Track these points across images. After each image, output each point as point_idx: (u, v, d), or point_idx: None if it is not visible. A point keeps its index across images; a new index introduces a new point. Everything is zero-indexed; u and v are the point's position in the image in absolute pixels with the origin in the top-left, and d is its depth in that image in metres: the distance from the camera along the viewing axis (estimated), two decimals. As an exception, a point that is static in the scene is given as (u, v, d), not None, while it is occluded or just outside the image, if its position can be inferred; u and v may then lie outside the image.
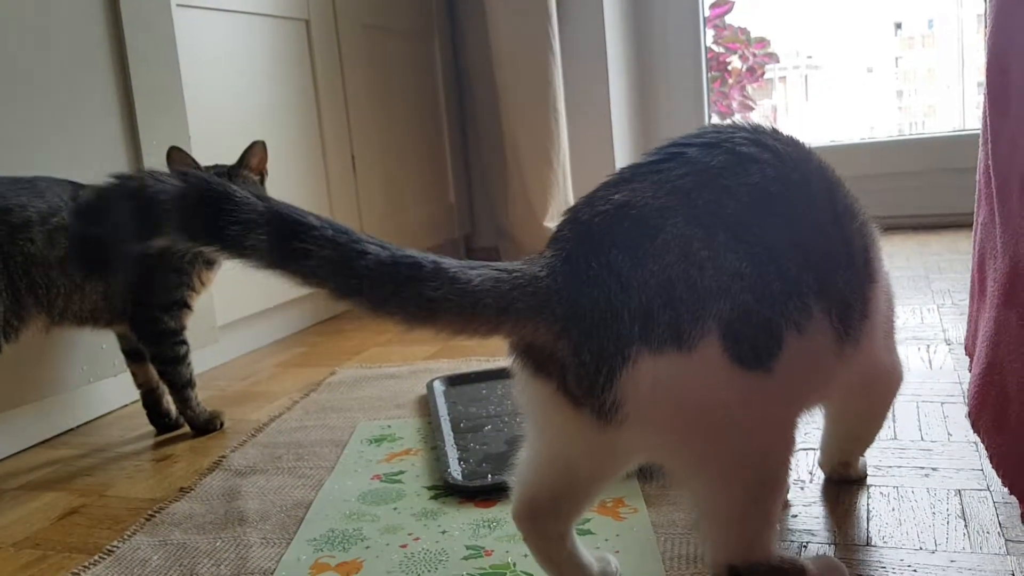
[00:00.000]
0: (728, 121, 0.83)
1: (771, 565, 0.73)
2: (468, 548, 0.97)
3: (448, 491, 1.13)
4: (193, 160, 1.44)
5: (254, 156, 1.53)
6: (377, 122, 2.55)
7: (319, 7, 2.27)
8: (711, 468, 0.71)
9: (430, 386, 1.52)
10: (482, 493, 1.11)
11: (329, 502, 1.14)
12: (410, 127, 2.77)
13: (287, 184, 2.09)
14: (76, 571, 1.00)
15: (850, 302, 0.76)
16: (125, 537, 1.09)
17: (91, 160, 1.54)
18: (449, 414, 1.41)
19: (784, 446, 0.73)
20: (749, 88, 3.76)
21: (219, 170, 1.47)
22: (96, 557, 1.04)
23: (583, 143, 2.84)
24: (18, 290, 1.23)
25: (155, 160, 1.66)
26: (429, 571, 0.93)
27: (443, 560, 0.95)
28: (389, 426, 1.42)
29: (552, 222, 2.57)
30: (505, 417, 1.38)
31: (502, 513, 1.05)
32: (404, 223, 2.67)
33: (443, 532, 1.02)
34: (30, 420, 1.50)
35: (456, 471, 1.17)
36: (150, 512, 1.16)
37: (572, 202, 2.65)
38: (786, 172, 0.75)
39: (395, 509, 1.10)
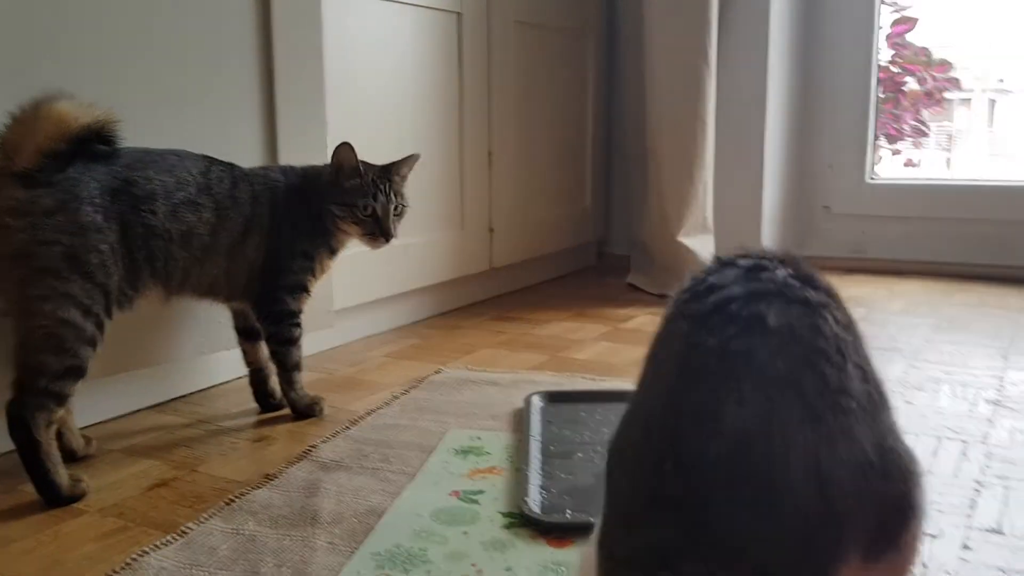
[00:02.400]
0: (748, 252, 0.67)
1: None
2: (529, 591, 0.93)
3: (522, 521, 1.09)
4: (358, 160, 1.47)
5: (407, 166, 1.56)
6: (519, 119, 2.52)
7: (473, 1, 2.26)
8: None
9: (528, 401, 1.48)
10: (557, 530, 1.06)
11: (402, 514, 1.11)
12: (553, 126, 2.72)
13: (422, 175, 2.08)
14: (146, 549, 1.02)
15: None
16: (201, 520, 1.10)
17: (226, 139, 1.58)
18: (541, 435, 1.36)
19: None
20: (924, 112, 3.52)
21: (369, 167, 1.49)
22: (169, 537, 1.05)
23: (730, 159, 2.72)
24: (135, 260, 1.26)
25: (290, 143, 1.69)
26: (484, 610, 0.89)
27: (500, 601, 0.91)
28: (479, 437, 1.38)
29: (687, 238, 2.47)
30: (598, 446, 1.32)
31: (573, 556, 1.00)
32: (536, 222, 2.64)
33: (507, 568, 0.97)
34: (145, 383, 1.56)
35: (535, 501, 1.12)
36: (231, 496, 1.17)
37: (710, 219, 2.55)
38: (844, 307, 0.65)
39: (465, 533, 1.06)
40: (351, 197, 1.47)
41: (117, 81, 1.41)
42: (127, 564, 0.99)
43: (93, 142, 1.23)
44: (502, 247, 2.46)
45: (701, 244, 2.49)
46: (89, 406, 1.43)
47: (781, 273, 0.63)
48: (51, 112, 1.18)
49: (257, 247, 1.42)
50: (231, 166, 1.41)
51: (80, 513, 1.14)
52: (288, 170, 1.51)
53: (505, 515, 1.11)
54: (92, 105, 1.22)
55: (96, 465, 1.30)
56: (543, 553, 1.01)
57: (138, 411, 1.54)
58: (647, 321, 2.23)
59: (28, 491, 1.18)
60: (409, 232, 1.79)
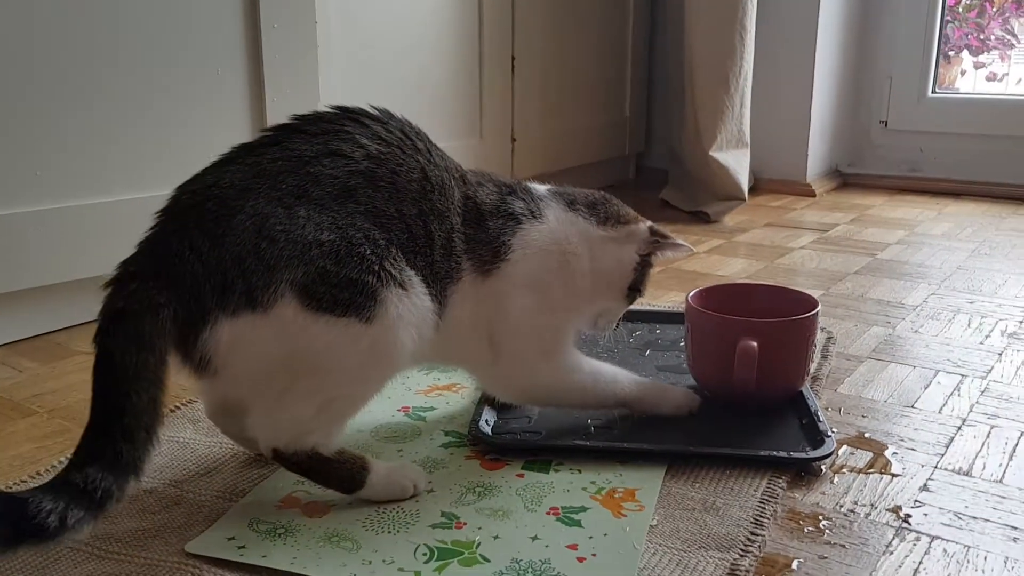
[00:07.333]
0: None
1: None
2: (443, 515, 0.88)
3: (463, 440, 1.04)
4: None
5: None
6: (549, 20, 2.39)
7: None
8: None
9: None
10: (495, 452, 1.01)
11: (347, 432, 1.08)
12: (587, 29, 2.59)
13: (436, 77, 2.00)
14: (76, 453, 1.01)
15: None
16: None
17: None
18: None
19: None
20: (1014, 22, 3.25)
21: None
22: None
23: (778, 69, 2.56)
24: None
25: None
26: (389, 532, 0.85)
27: (410, 524, 0.86)
28: (450, 354, 1.34)
29: (719, 152, 2.34)
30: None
31: (502, 480, 0.95)
32: (565, 132, 2.53)
33: (430, 491, 0.93)
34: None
35: (489, 420, 1.07)
36: (178, 404, 1.15)
37: (747, 132, 2.40)
38: None
39: (400, 451, 1.02)
40: None
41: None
42: (54, 467, 0.98)
43: None
44: (525, 157, 2.38)
45: (735, 159, 2.36)
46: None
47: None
48: None
49: None
50: None
51: (30, 414, 1.14)
52: None
53: (447, 433, 1.07)
54: None
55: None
56: (472, 475, 0.96)
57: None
58: (668, 238, 2.13)
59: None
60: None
